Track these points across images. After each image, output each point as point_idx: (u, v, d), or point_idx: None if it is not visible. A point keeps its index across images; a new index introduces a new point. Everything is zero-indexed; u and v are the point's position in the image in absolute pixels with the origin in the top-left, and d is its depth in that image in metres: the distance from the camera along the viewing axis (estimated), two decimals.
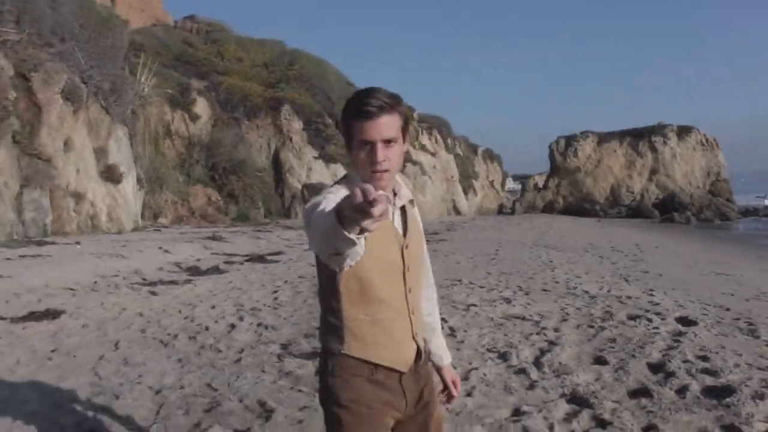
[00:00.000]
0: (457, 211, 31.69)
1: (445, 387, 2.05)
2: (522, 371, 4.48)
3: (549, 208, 36.50)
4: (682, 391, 3.96)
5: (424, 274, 1.95)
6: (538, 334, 5.60)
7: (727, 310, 6.63)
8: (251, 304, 7.20)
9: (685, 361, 4.56)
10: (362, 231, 1.27)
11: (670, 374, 4.29)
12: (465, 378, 4.29)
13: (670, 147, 37.06)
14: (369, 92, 1.67)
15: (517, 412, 3.69)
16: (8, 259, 9.51)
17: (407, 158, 27.09)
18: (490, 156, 39.03)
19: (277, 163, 25.11)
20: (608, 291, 7.95)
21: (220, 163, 22.74)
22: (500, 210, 36.58)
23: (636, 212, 34.15)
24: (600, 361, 4.71)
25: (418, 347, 1.83)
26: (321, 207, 1.52)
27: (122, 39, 18.54)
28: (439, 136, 33.55)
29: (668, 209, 32.74)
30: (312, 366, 4.51)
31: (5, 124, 12.73)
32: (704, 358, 4.64)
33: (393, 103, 1.67)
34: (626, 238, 17.25)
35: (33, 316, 6.23)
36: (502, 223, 25.50)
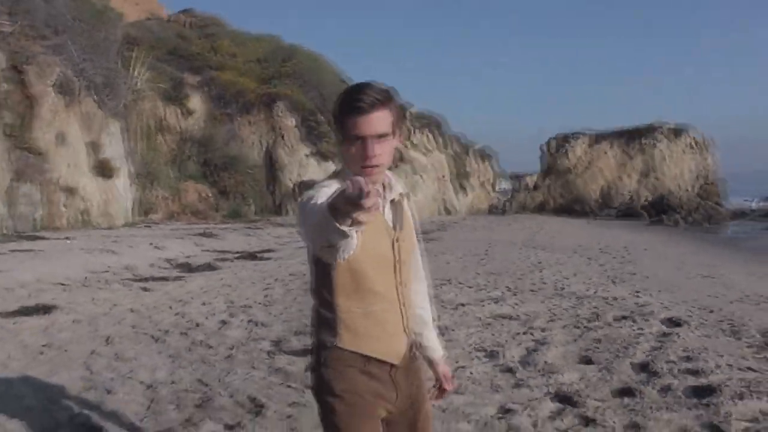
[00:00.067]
0: (449, 211, 31.78)
1: (438, 381, 2.06)
2: (509, 370, 4.55)
3: (540, 209, 36.63)
4: (665, 390, 4.05)
5: (416, 267, 1.97)
6: (525, 333, 5.68)
7: (712, 312, 6.74)
8: (242, 301, 7.24)
9: (669, 362, 4.65)
10: (354, 223, 1.29)
11: (654, 374, 4.38)
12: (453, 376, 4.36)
13: (661, 149, 37.29)
14: (361, 87, 1.67)
15: (503, 410, 3.77)
16: None
17: (399, 157, 27.11)
18: (483, 155, 39.10)
19: (269, 160, 25.08)
20: (596, 292, 8.04)
21: (213, 160, 22.68)
22: (492, 210, 36.69)
23: (626, 213, 34.35)
24: (586, 360, 4.79)
25: (410, 340, 1.86)
26: (314, 200, 1.55)
27: (116, 32, 18.47)
28: (431, 135, 33.57)
29: (658, 211, 32.95)
30: (302, 363, 4.56)
31: None
32: (688, 359, 4.73)
33: (385, 98, 1.67)
34: (615, 240, 17.39)
35: (24, 311, 6.25)
36: (492, 223, 25.61)
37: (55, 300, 6.83)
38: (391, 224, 1.80)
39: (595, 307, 6.93)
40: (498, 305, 7.05)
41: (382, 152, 1.68)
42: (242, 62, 28.22)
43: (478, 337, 5.56)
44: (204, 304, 7.00)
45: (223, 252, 12.15)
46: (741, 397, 3.84)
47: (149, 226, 16.65)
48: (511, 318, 6.39)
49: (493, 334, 5.65)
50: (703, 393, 3.97)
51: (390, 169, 1.80)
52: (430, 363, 2.05)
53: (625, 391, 4.06)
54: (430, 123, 34.11)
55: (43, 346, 5.11)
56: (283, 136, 25.34)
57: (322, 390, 1.79)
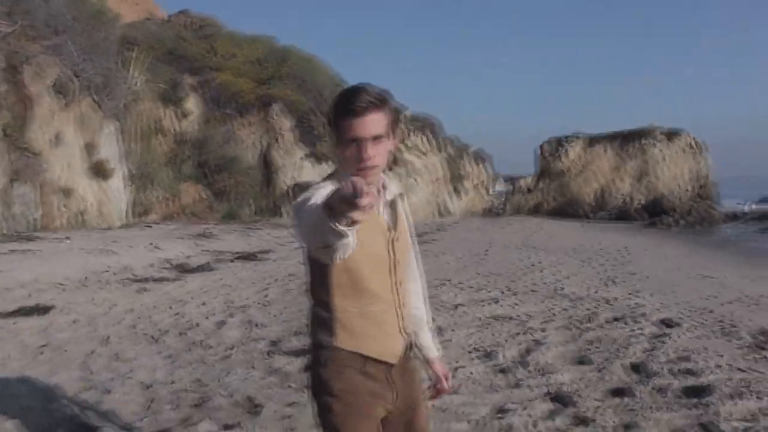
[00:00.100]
0: (445, 213, 31.79)
1: (434, 381, 2.06)
2: (507, 370, 4.57)
3: (536, 211, 36.67)
4: (662, 390, 4.07)
5: (412, 267, 1.97)
6: (523, 334, 5.70)
7: (706, 312, 6.78)
8: (241, 301, 7.25)
9: (666, 362, 4.68)
10: (351, 223, 1.30)
11: (652, 374, 4.41)
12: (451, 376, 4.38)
13: (658, 150, 37.38)
14: (356, 90, 1.67)
15: (501, 410, 3.78)
16: None
17: (395, 159, 27.09)
18: (478, 158, 39.09)
19: (266, 162, 25.06)
20: (593, 293, 8.08)
21: (210, 161, 22.66)
22: (487, 212, 36.70)
23: (620, 216, 34.41)
24: (583, 360, 4.82)
25: (406, 340, 1.87)
26: (310, 202, 1.55)
27: (114, 33, 18.46)
28: (426, 138, 33.56)
29: (651, 214, 33.03)
30: (300, 363, 4.57)
31: None
32: (686, 359, 4.76)
33: (380, 100, 1.67)
34: (610, 242, 17.44)
35: (23, 311, 6.25)
36: (489, 225, 25.65)
37: (53, 300, 6.84)
38: (388, 224, 1.81)
39: (592, 308, 6.96)
40: (497, 305, 7.08)
41: (377, 154, 1.68)
42: (240, 63, 28.19)
43: (477, 337, 5.58)
44: (202, 304, 7.01)
45: (222, 252, 12.15)
46: (739, 396, 3.88)
47: (148, 227, 16.64)
48: (509, 318, 6.42)
49: (492, 334, 5.68)
50: (701, 393, 4.00)
51: (384, 171, 1.80)
52: (427, 363, 2.05)
53: (620, 392, 4.09)
54: (425, 125, 34.06)
55: (42, 346, 5.11)
56: (278, 138, 25.33)
57: (320, 390, 1.79)
